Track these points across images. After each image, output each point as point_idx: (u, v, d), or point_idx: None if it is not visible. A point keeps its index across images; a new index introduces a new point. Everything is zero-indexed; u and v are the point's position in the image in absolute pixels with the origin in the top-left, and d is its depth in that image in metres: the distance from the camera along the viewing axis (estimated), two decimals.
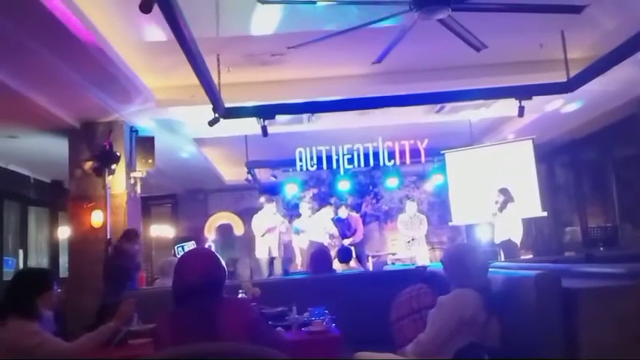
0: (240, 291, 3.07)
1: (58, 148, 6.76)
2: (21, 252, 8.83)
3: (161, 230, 12.47)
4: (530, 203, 8.03)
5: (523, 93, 5.76)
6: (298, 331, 2.68)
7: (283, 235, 8.54)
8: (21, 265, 8.53)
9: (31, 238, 9.21)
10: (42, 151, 7.28)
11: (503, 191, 6.96)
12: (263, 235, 8.22)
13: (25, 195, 8.77)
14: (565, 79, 5.53)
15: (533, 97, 5.87)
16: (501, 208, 6.92)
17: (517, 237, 6.74)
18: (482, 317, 2.53)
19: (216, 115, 5.48)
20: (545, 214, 8.21)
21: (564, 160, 10.02)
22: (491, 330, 2.52)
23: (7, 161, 7.96)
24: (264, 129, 5.93)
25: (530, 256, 9.31)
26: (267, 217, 8.27)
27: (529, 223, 10.20)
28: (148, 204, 12.38)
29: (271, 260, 8.19)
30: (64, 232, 8.91)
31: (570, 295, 2.17)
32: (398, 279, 4.02)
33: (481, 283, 2.62)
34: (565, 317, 2.17)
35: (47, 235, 9.69)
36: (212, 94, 5.12)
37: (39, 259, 9.54)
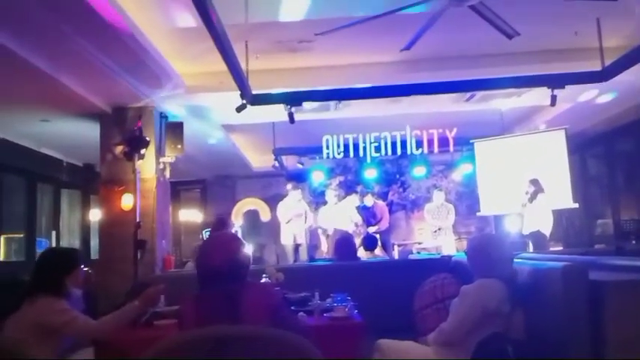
0: (264, 276, 3.10)
1: (89, 132, 6.88)
2: (54, 233, 9.06)
3: (190, 215, 12.64)
4: (560, 194, 7.89)
5: (556, 82, 5.63)
6: (320, 317, 2.69)
7: (309, 222, 8.57)
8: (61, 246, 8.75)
9: (63, 220, 9.45)
10: (74, 135, 7.42)
11: (534, 182, 6.87)
12: (288, 222, 8.26)
13: (57, 178, 8.98)
14: (600, 68, 5.38)
15: (567, 87, 5.75)
16: (531, 199, 6.83)
17: (546, 228, 6.64)
18: (506, 308, 2.51)
19: (244, 101, 5.50)
20: (576, 205, 8.06)
21: (597, 151, 9.78)
22: (516, 321, 2.49)
23: (40, 145, 8.15)
24: (290, 116, 5.94)
25: (560, 247, 9.18)
26: (293, 204, 8.30)
27: (560, 215, 10.01)
28: (178, 189, 12.58)
29: (297, 247, 8.24)
30: (95, 215, 9.11)
31: (597, 287, 2.13)
32: (422, 268, 4.00)
33: (506, 273, 2.59)
34: (591, 310, 2.13)
35: (79, 217, 9.92)
36: (240, 80, 5.14)
37: (71, 241, 9.79)
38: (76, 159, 9.29)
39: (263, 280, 2.99)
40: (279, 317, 2.07)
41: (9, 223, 8.09)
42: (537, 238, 6.49)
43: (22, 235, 8.27)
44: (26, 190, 8.26)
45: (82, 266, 2.97)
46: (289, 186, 8.55)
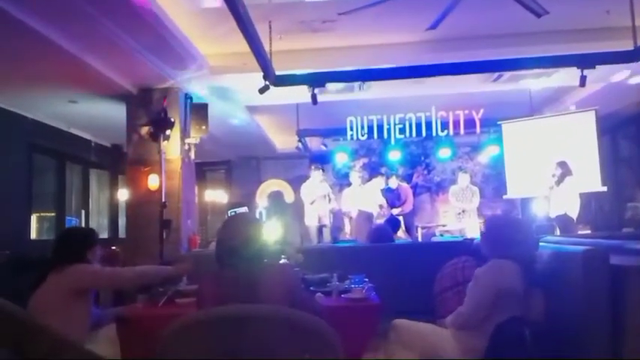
0: (283, 256, 3.13)
1: (116, 113, 6.99)
2: (83, 213, 9.27)
3: (216, 195, 12.78)
4: (589, 177, 7.73)
5: (586, 62, 5.48)
6: (338, 298, 2.71)
7: (332, 204, 8.57)
8: (83, 226, 8.95)
9: (92, 200, 9.64)
10: (101, 115, 7.53)
11: (562, 164, 6.74)
12: (312, 203, 8.28)
13: (86, 158, 9.15)
14: (632, 48, 5.21)
15: (599, 67, 5.59)
16: (559, 182, 6.70)
17: (574, 212, 6.52)
18: (520, 289, 2.49)
19: (267, 82, 5.50)
20: (605, 188, 7.88)
21: (629, 133, 9.53)
22: (535, 304, 2.47)
23: (68, 125, 8.29)
24: (313, 97, 5.92)
25: (588, 231, 9.02)
26: (315, 186, 8.30)
27: (589, 198, 9.83)
28: (203, 169, 12.71)
29: (320, 228, 8.26)
30: (123, 195, 9.27)
31: (619, 272, 2.09)
32: (444, 251, 3.99)
33: (522, 255, 2.56)
34: (612, 295, 2.09)
35: (107, 197, 10.11)
36: (263, 61, 5.14)
37: (100, 220, 10.00)
38: (104, 139, 9.45)
39: (282, 261, 3.02)
40: (296, 298, 2.09)
41: (40, 202, 8.30)
42: (564, 221, 6.37)
43: (53, 214, 8.48)
44: (56, 170, 8.44)
45: (101, 246, 3.06)
46: (312, 167, 8.56)
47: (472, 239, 4.31)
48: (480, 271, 2.62)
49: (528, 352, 2.23)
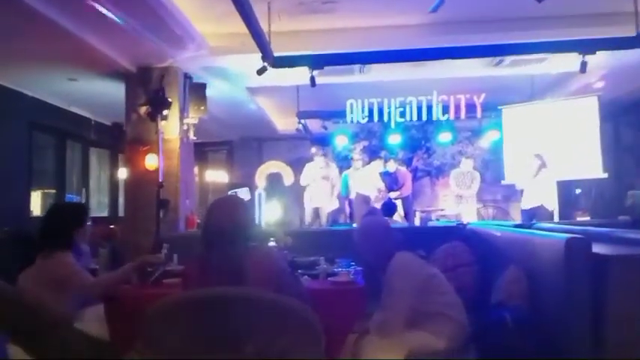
0: (272, 239, 3.15)
1: (116, 91, 6.97)
2: (84, 191, 9.32)
3: (217, 176, 12.80)
4: (590, 164, 7.72)
5: (587, 47, 5.44)
6: (324, 281, 2.73)
7: (335, 190, 8.61)
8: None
9: (92, 178, 9.68)
10: (101, 93, 7.52)
11: (538, 156, 6.85)
12: (307, 186, 8.28)
13: (86, 136, 9.16)
14: (634, 34, 5.16)
15: (601, 53, 5.55)
16: (535, 174, 6.78)
17: (550, 203, 6.61)
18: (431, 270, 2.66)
19: (265, 64, 5.47)
20: (605, 175, 7.86)
21: (632, 119, 9.47)
22: (518, 290, 2.48)
23: (68, 103, 8.29)
24: (312, 79, 5.89)
25: (587, 218, 9.03)
26: (315, 169, 8.29)
27: (589, 185, 9.83)
28: (205, 150, 12.72)
29: (316, 210, 8.26)
30: (123, 174, 9.29)
31: (600, 260, 2.10)
32: (437, 235, 4.01)
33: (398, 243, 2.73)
34: (593, 283, 2.10)
35: (108, 175, 10.15)
36: (260, 42, 5.10)
37: (100, 199, 10.06)
38: (104, 118, 9.44)
39: (270, 244, 3.04)
40: (281, 281, 2.11)
41: (41, 179, 8.35)
42: (539, 214, 6.46)
43: (54, 192, 8.53)
44: (56, 147, 8.47)
45: (89, 223, 3.06)
46: (313, 150, 8.55)
47: (464, 224, 4.32)
48: (391, 271, 2.64)
49: (510, 338, 2.25)
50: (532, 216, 6.54)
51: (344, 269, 2.73)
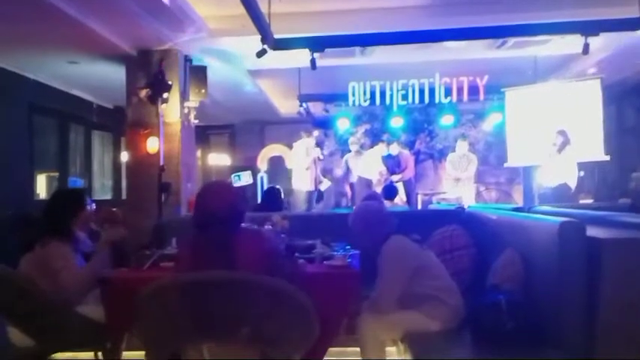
0: (267, 223, 3.15)
1: (117, 74, 6.96)
2: (87, 174, 9.35)
3: (219, 159, 12.82)
4: (592, 146, 7.67)
5: (590, 29, 5.37)
6: (320, 265, 2.74)
7: (335, 170, 8.58)
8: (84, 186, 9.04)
9: (95, 161, 9.71)
10: (102, 77, 7.51)
11: (562, 132, 6.70)
12: (296, 169, 8.22)
13: (88, 119, 9.17)
14: (638, 15, 5.08)
15: (606, 34, 5.49)
16: (559, 150, 6.67)
17: (572, 181, 6.52)
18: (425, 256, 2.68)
19: (265, 46, 5.43)
20: (607, 157, 7.83)
21: (636, 102, 9.38)
22: (514, 273, 2.49)
23: (70, 86, 8.29)
24: (312, 62, 5.84)
25: (590, 201, 9.00)
26: (302, 151, 8.23)
27: (592, 168, 9.77)
28: (207, 133, 12.73)
29: (309, 193, 8.22)
30: (125, 157, 9.31)
31: (595, 244, 2.10)
32: (435, 218, 4.00)
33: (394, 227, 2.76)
34: (587, 266, 2.10)
35: (111, 158, 10.18)
36: (260, 24, 5.06)
37: (104, 181, 10.09)
38: (106, 101, 9.44)
39: (266, 227, 3.04)
40: (271, 261, 2.12)
41: (45, 162, 8.39)
42: (561, 191, 6.38)
43: (57, 174, 8.58)
44: (58, 130, 8.49)
45: (91, 205, 3.07)
46: (302, 133, 8.45)
47: (463, 207, 4.31)
48: (385, 253, 2.65)
49: (504, 320, 2.26)
50: (552, 194, 6.48)
51: (340, 253, 2.74)
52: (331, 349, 2.68)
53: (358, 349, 2.66)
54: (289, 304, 1.92)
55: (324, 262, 2.75)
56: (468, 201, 8.02)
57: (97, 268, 2.75)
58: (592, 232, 2.23)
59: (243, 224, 2.21)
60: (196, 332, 1.89)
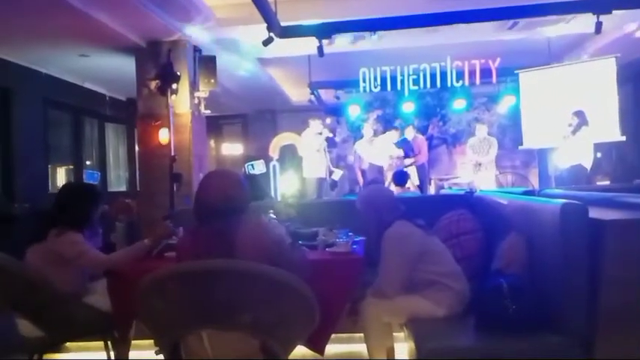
0: (271, 211, 3.15)
1: (127, 67, 6.98)
2: (102, 166, 9.45)
3: (232, 148, 12.88)
4: (608, 126, 7.55)
5: (601, 7, 5.26)
6: (323, 252, 2.74)
7: (349, 157, 8.54)
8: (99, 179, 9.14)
9: (111, 153, 9.81)
10: (114, 69, 7.55)
11: (579, 113, 6.60)
12: (306, 156, 8.20)
13: (102, 112, 9.25)
14: None
15: (620, 12, 5.37)
16: (575, 131, 6.57)
17: (587, 162, 6.42)
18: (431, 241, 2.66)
19: (271, 34, 5.41)
20: (623, 138, 7.69)
21: None
22: (516, 256, 2.47)
23: (82, 79, 8.36)
24: (320, 49, 5.82)
25: (607, 182, 8.86)
26: (312, 138, 8.19)
27: (609, 149, 9.61)
28: (220, 123, 12.77)
29: (320, 181, 8.20)
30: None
31: (597, 226, 2.07)
32: (444, 203, 3.96)
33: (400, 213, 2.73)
34: (589, 248, 2.08)
35: (125, 150, 10.27)
36: (265, 11, 5.05)
37: (119, 173, 10.20)
38: (118, 93, 9.50)
39: (269, 216, 3.04)
40: (273, 251, 2.11)
41: (60, 156, 8.50)
42: (576, 172, 6.29)
43: (72, 167, 8.69)
44: (72, 124, 8.58)
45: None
46: (310, 120, 8.39)
47: (472, 192, 4.27)
48: (388, 238, 2.64)
49: (506, 304, 2.25)
50: (567, 176, 6.40)
51: (342, 239, 2.73)
52: (336, 335, 2.69)
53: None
54: (289, 293, 1.92)
55: (327, 249, 2.75)
56: (489, 185, 7.93)
57: (132, 255, 2.77)
58: (596, 213, 2.20)
59: (245, 214, 2.19)
60: (196, 321, 1.90)
